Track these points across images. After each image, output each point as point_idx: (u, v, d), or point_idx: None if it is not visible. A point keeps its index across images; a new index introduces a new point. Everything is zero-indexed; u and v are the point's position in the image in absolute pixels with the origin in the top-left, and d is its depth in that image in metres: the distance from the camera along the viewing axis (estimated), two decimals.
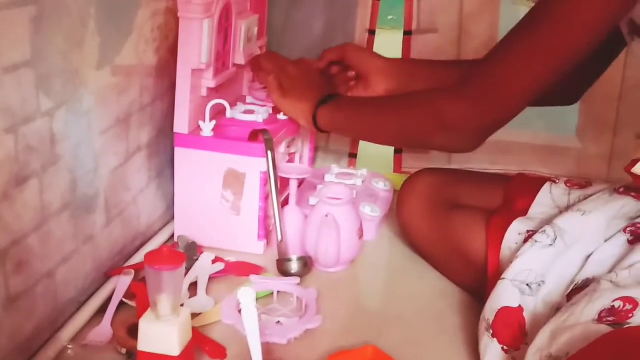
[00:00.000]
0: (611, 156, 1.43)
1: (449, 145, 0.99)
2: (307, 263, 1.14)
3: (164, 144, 1.19)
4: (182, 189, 1.19)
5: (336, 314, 1.04)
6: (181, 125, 1.15)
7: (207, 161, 1.16)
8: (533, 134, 1.46)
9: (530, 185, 1.08)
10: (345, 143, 1.49)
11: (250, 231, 1.18)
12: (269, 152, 1.13)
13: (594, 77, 1.11)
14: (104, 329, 0.95)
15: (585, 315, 0.76)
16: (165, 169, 1.21)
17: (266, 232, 1.20)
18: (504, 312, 0.89)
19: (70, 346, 0.92)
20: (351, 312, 1.07)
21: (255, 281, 1.07)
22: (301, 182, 1.33)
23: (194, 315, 0.95)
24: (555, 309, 0.86)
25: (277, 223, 1.15)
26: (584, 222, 0.92)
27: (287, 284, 1.07)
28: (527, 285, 0.90)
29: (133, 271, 1.05)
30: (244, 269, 1.12)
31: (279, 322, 1.00)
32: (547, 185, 1.05)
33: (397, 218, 1.21)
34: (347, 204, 1.14)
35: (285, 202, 1.20)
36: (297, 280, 1.08)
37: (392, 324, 1.03)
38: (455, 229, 1.09)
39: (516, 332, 0.88)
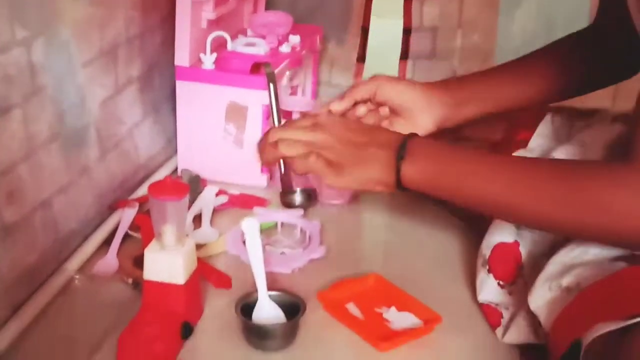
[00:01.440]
0: (616, 86, 1.40)
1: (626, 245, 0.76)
2: (310, 195, 1.13)
3: (159, 79, 1.17)
4: (184, 122, 1.18)
5: (339, 245, 1.04)
6: (182, 57, 1.13)
7: (208, 94, 1.15)
8: None
9: (532, 116, 1.05)
10: (349, 77, 1.47)
11: (253, 164, 1.17)
12: (271, 85, 1.11)
13: None
14: (110, 260, 0.96)
15: (601, 254, 0.75)
16: (163, 103, 1.20)
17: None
18: (500, 247, 0.88)
19: (77, 276, 0.92)
20: (354, 244, 1.08)
21: (259, 213, 1.07)
22: (304, 115, 1.31)
23: (199, 247, 0.95)
24: (551, 243, 0.86)
25: None
26: (583, 154, 0.90)
27: (291, 216, 1.07)
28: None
29: (137, 204, 1.05)
30: (247, 202, 1.12)
31: (282, 252, 1.00)
32: (548, 116, 1.03)
33: None
34: None
35: None
36: (300, 212, 1.08)
37: (394, 255, 1.04)
38: None
39: (512, 267, 0.87)
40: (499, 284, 0.88)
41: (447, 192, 0.81)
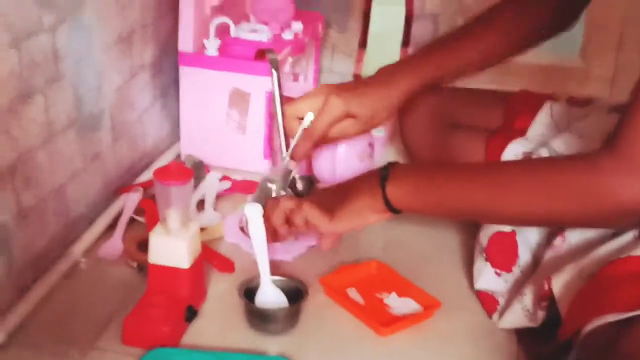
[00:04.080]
0: (614, 76, 1.40)
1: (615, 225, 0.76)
2: (311, 181, 1.14)
3: (168, 64, 1.17)
4: (188, 108, 1.18)
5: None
6: (185, 43, 1.13)
7: (212, 80, 1.15)
8: (536, 54, 1.44)
9: (530, 103, 1.04)
10: (350, 63, 1.46)
11: (256, 150, 1.17)
12: (274, 72, 1.10)
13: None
14: (115, 244, 0.96)
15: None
16: (170, 88, 1.20)
17: (271, 151, 1.19)
18: (498, 236, 0.88)
19: (83, 260, 0.92)
20: (355, 231, 1.07)
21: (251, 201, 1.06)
22: None
23: (201, 231, 0.94)
24: (547, 232, 0.86)
25: (282, 142, 1.13)
26: (581, 145, 0.89)
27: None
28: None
29: (142, 188, 1.05)
30: (250, 187, 1.12)
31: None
32: (547, 104, 1.02)
33: (400, 137, 1.19)
34: None
35: None
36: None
37: (394, 243, 1.04)
38: (455, 151, 1.07)
39: (509, 256, 0.88)
40: (495, 272, 0.89)
41: (434, 208, 0.82)
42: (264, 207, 0.86)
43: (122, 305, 0.82)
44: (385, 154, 1.26)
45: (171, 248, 0.80)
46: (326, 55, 1.48)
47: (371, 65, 1.45)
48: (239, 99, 1.15)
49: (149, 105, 1.13)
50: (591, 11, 1.26)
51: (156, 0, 1.09)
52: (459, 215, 0.88)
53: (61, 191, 0.90)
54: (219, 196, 1.09)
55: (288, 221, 0.86)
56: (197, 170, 1.12)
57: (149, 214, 0.98)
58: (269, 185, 1.01)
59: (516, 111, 1.05)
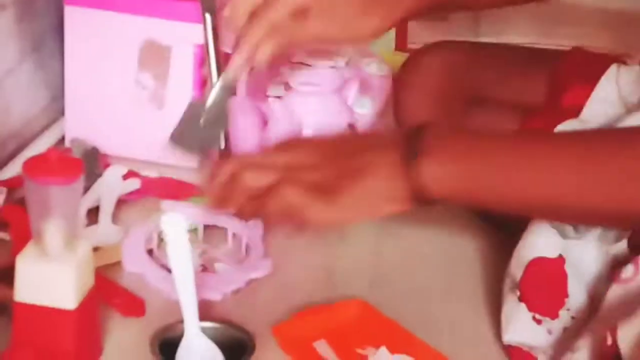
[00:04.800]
0: None
1: None
2: None
3: (43, 4, 1.18)
4: (75, 69, 1.18)
5: (296, 257, 1.05)
6: None
7: (113, 27, 1.16)
8: None
9: (587, 69, 1.04)
10: None
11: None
12: (208, 15, 1.11)
13: None
14: None
15: None
16: (47, 40, 1.21)
17: None
18: (537, 265, 0.89)
19: None
20: (322, 254, 1.08)
21: (168, 209, 1.05)
22: None
23: (94, 252, 0.94)
24: (612, 258, 0.86)
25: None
26: None
27: (218, 215, 1.06)
28: (571, 224, 0.88)
29: (5, 189, 1.05)
30: (169, 188, 1.14)
31: (205, 269, 1.01)
32: (612, 69, 1.02)
33: (394, 116, 1.20)
34: (327, 95, 1.14)
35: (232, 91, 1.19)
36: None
37: (383, 273, 1.05)
38: None
39: (554, 294, 0.88)
40: (534, 317, 0.89)
41: (492, 196, 0.78)
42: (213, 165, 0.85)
43: None
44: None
45: (50, 279, 0.80)
46: None
47: None
48: (154, 55, 1.16)
49: (14, 63, 1.14)
50: None
51: None
52: (530, 210, 0.83)
53: None
54: (120, 201, 1.10)
55: (255, 197, 0.82)
56: (89, 162, 1.12)
57: (15, 227, 0.98)
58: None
59: (567, 80, 1.05)
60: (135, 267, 0.99)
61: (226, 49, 1.15)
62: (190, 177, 1.16)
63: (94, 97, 1.19)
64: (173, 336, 0.84)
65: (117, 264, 0.99)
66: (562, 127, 0.96)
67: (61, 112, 1.22)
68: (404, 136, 0.79)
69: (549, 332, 0.87)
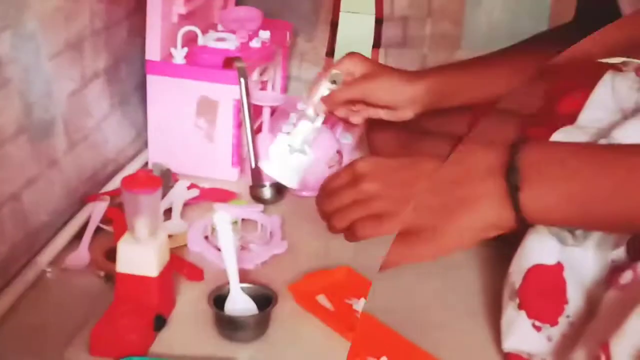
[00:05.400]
0: None
1: None
2: (280, 189, 1.15)
3: (126, 72, 1.17)
4: (155, 116, 1.18)
5: (304, 239, 1.04)
6: (153, 51, 1.13)
7: (179, 89, 1.15)
8: None
9: (582, 75, 0.81)
10: (318, 71, 1.48)
11: (224, 158, 1.18)
12: (242, 80, 1.12)
13: None
14: (82, 254, 0.95)
15: None
16: (130, 96, 1.19)
17: (240, 159, 1.20)
18: (537, 272, 0.68)
19: (49, 269, 0.92)
20: (322, 237, 1.07)
21: (218, 209, 1.06)
22: (274, 110, 1.32)
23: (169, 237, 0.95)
24: (610, 265, 0.66)
25: (250, 150, 1.15)
26: None
27: (251, 212, 1.08)
28: (569, 231, 0.66)
29: (109, 197, 1.04)
30: (218, 195, 1.13)
31: (243, 248, 1.00)
32: (607, 76, 0.79)
33: (368, 144, 1.20)
34: (322, 131, 1.13)
35: (258, 130, 1.20)
36: (260, 207, 1.09)
37: (366, 249, 1.03)
38: (425, 150, 0.95)
39: (553, 300, 0.67)
40: (534, 324, 0.68)
41: (603, 219, 0.57)
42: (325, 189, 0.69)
43: (90, 316, 0.82)
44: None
45: (140, 257, 0.80)
46: (294, 63, 1.49)
47: None
48: (206, 107, 1.16)
49: (107, 112, 1.13)
50: (554, 11, 1.27)
51: (108, 7, 1.08)
52: (630, 227, 0.58)
53: (16, 199, 0.89)
54: (186, 204, 1.09)
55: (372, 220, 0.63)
56: (164, 179, 1.12)
57: (116, 223, 0.98)
58: (287, 137, 0.91)
59: (561, 88, 0.83)
60: (196, 248, 0.99)
61: (254, 102, 1.16)
62: (231, 187, 1.16)
63: (168, 135, 1.19)
64: (222, 293, 0.85)
65: (184, 246, 0.99)
66: (559, 134, 0.75)
67: (144, 145, 1.22)
68: (500, 164, 0.58)
69: (549, 339, 0.68)
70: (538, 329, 0.67)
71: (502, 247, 0.76)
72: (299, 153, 0.90)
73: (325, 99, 0.91)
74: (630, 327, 0.54)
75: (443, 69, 0.91)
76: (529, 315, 0.68)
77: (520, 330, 0.68)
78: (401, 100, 0.88)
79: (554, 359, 0.66)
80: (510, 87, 0.85)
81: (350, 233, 0.66)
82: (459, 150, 0.61)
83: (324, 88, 0.93)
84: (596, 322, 0.62)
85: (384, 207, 0.63)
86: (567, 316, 0.67)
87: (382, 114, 0.91)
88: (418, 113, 0.90)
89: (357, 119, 0.92)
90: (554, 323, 0.67)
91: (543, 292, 0.67)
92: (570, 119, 0.77)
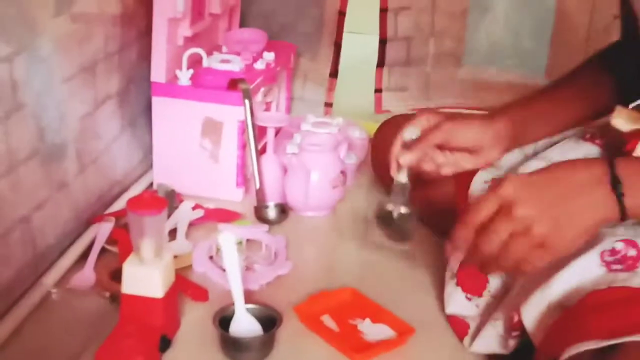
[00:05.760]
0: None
1: None
2: (284, 209, 1.15)
3: (135, 93, 1.18)
4: (160, 137, 1.18)
5: (309, 259, 1.04)
6: (158, 74, 1.14)
7: (184, 110, 1.16)
8: (504, 71, 1.47)
9: None
10: (321, 92, 1.49)
11: (229, 179, 1.18)
12: (247, 101, 1.12)
13: None
14: (87, 274, 0.96)
15: (588, 260, 0.68)
16: (139, 117, 1.20)
17: (244, 179, 1.20)
18: None
19: (54, 290, 0.92)
20: (326, 257, 1.08)
21: (223, 230, 1.05)
22: (278, 131, 1.33)
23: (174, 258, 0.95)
24: None
25: (254, 171, 1.15)
26: None
27: (256, 232, 1.08)
28: None
29: (114, 218, 1.05)
30: (222, 216, 1.13)
31: (248, 268, 1.00)
32: None
33: (372, 164, 1.21)
34: (327, 152, 1.15)
35: (262, 150, 1.20)
36: (265, 227, 1.09)
37: (365, 269, 1.04)
38: (425, 176, 1.01)
39: (479, 280, 0.86)
40: (466, 296, 0.89)
41: None
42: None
43: (95, 336, 0.82)
44: (356, 180, 1.29)
45: (145, 277, 0.80)
46: (298, 84, 1.50)
47: (342, 93, 1.48)
48: (211, 128, 1.16)
49: (117, 134, 1.14)
50: (556, 31, 1.29)
51: (120, 30, 1.10)
52: None
53: (26, 221, 0.89)
54: (191, 225, 1.09)
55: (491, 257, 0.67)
56: (169, 199, 1.12)
57: (122, 243, 0.98)
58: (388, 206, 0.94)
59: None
60: (201, 268, 0.99)
61: (259, 123, 1.17)
62: (235, 207, 1.16)
63: (172, 156, 1.19)
64: (227, 314, 0.85)
65: (189, 267, 0.99)
66: (482, 172, 0.92)
67: (150, 166, 1.22)
68: (603, 176, 0.66)
69: (477, 306, 0.88)
70: (469, 299, 0.88)
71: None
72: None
73: (411, 145, 0.89)
74: (535, 297, 0.71)
75: (518, 104, 0.93)
76: (463, 290, 0.88)
77: (457, 300, 0.89)
78: (487, 139, 0.88)
79: (480, 319, 0.86)
80: (583, 116, 0.92)
81: (516, 270, 0.68)
82: (551, 170, 0.68)
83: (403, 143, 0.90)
84: (510, 295, 0.79)
85: (547, 231, 0.65)
86: (489, 291, 0.86)
87: (468, 161, 0.90)
88: (502, 152, 0.90)
89: (447, 170, 0.91)
90: (480, 295, 0.87)
91: (472, 275, 0.86)
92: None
